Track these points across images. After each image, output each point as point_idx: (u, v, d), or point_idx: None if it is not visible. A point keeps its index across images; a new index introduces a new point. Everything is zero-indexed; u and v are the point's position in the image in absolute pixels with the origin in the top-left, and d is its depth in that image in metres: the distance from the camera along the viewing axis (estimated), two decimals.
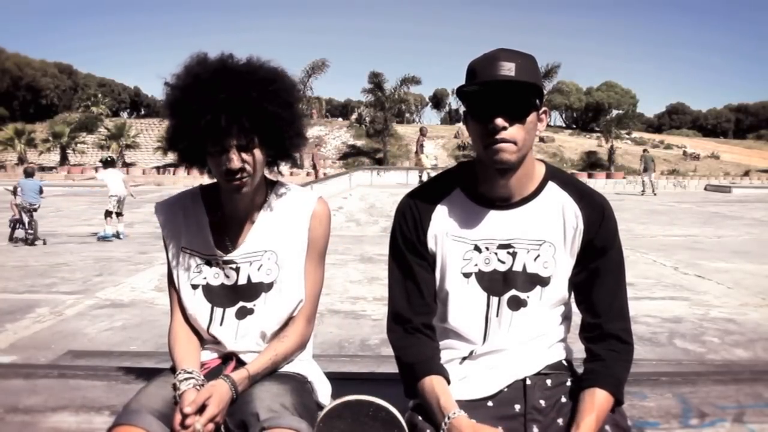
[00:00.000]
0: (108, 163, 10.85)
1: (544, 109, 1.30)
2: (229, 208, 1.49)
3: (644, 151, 24.81)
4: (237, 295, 1.49)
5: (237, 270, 1.48)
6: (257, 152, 1.39)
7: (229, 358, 1.49)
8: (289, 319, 1.51)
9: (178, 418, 1.26)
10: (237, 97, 1.32)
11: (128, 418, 1.27)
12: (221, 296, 1.49)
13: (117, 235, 9.47)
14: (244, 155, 1.36)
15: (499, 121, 1.21)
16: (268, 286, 1.49)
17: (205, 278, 1.49)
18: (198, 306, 1.49)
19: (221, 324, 1.49)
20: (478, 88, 1.24)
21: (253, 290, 1.49)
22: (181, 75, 1.39)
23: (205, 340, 1.52)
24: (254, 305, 1.49)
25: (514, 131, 1.23)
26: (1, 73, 45.67)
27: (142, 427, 1.25)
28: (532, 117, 1.25)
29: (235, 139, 1.34)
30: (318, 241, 1.52)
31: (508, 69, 1.20)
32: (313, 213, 1.51)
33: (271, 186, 1.53)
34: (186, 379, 1.34)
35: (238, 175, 1.36)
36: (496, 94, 1.21)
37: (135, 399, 1.33)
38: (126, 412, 1.29)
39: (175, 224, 1.52)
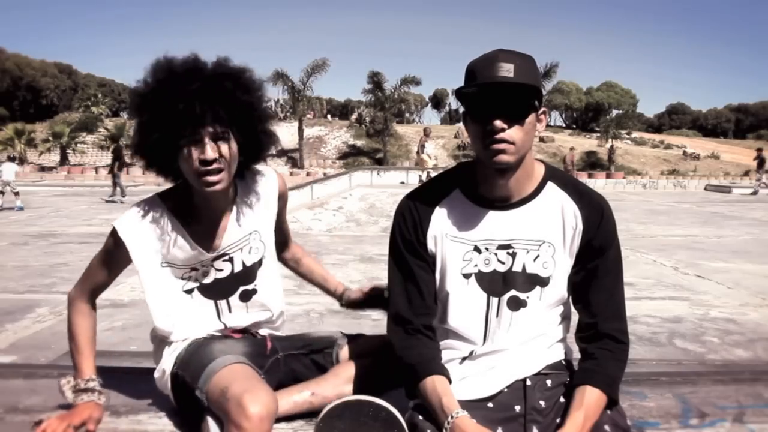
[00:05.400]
0: (11, 159, 15.27)
1: (543, 109, 1.30)
2: (206, 211, 1.48)
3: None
4: (237, 283, 1.54)
5: (231, 260, 1.52)
6: (232, 144, 1.38)
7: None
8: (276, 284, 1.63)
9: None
10: (211, 86, 1.33)
11: (227, 360, 1.37)
12: (220, 290, 1.53)
13: (19, 208, 12.91)
14: (219, 145, 1.35)
15: (498, 123, 1.21)
16: (260, 263, 1.56)
17: (197, 280, 1.51)
18: (199, 304, 1.52)
19: (230, 312, 1.55)
20: (477, 89, 1.24)
21: (250, 273, 1.55)
22: (151, 72, 1.38)
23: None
24: (255, 285, 1.56)
25: (512, 132, 1.23)
26: (1, 73, 45.66)
27: (246, 363, 1.39)
28: (531, 118, 1.25)
29: (210, 127, 1.33)
30: (286, 203, 1.68)
31: (507, 70, 1.20)
32: (279, 189, 1.61)
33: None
34: (84, 390, 1.44)
35: (213, 166, 1.34)
36: (495, 95, 1.21)
37: (211, 352, 1.42)
38: (220, 359, 1.38)
39: (147, 242, 1.46)
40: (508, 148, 1.23)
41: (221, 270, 1.51)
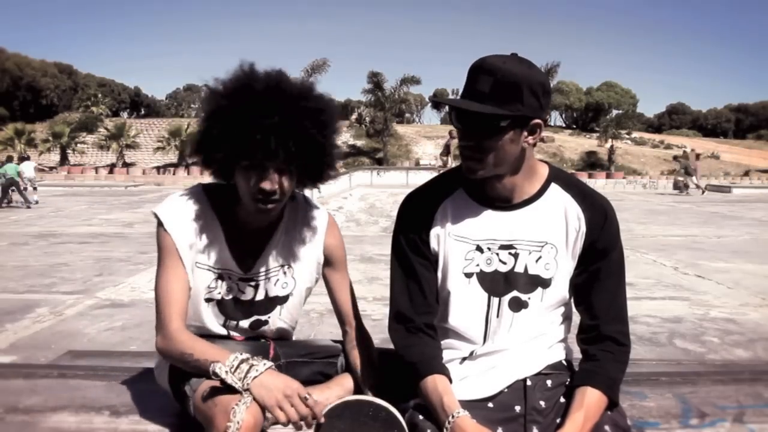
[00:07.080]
0: (23, 158, 16.05)
1: (535, 121, 1.24)
2: (247, 223, 1.45)
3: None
4: (252, 309, 1.51)
5: (256, 287, 1.49)
6: (293, 177, 1.37)
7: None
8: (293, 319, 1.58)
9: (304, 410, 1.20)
10: (290, 122, 1.29)
11: None
12: (235, 310, 1.50)
13: (35, 202, 14.29)
14: (281, 177, 1.34)
15: (463, 141, 1.23)
16: (284, 299, 1.53)
17: (219, 293, 1.47)
18: (210, 316, 1.49)
19: (235, 329, 1.53)
20: (447, 106, 1.25)
21: (269, 304, 1.52)
22: (230, 84, 1.32)
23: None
24: (269, 317, 1.53)
25: (483, 150, 1.23)
26: (1, 73, 45.65)
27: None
28: (508, 136, 1.22)
29: (277, 161, 1.31)
30: (339, 253, 1.57)
31: (485, 83, 1.18)
32: (327, 232, 1.54)
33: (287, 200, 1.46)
34: (253, 364, 1.22)
35: (272, 197, 1.34)
36: (464, 114, 1.21)
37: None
38: None
39: (186, 234, 1.40)
40: (472, 165, 1.24)
41: (244, 293, 1.48)
